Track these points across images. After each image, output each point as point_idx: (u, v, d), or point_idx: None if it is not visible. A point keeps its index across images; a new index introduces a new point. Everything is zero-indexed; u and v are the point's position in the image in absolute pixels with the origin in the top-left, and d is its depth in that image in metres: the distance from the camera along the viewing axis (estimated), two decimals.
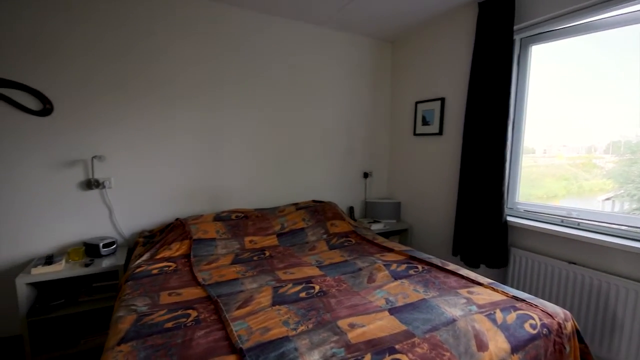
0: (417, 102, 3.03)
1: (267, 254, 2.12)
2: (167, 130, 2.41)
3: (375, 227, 2.95)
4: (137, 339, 1.14)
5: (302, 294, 1.51)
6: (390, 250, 2.17)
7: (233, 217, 2.48)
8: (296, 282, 1.65)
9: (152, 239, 2.26)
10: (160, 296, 1.48)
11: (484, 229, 2.34)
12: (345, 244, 2.35)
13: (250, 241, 2.29)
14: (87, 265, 1.98)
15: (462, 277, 1.73)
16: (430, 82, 2.90)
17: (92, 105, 2.17)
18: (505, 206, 2.29)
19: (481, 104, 2.33)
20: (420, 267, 1.88)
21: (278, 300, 1.44)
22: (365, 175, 3.33)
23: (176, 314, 1.32)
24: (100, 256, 2.11)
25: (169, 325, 1.23)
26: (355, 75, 3.14)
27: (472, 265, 2.43)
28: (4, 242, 2.02)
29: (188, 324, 1.24)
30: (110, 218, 2.31)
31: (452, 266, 1.89)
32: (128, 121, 2.28)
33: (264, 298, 1.45)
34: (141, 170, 2.36)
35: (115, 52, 2.19)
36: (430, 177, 2.95)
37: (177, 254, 2.01)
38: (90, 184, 2.20)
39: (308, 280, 1.66)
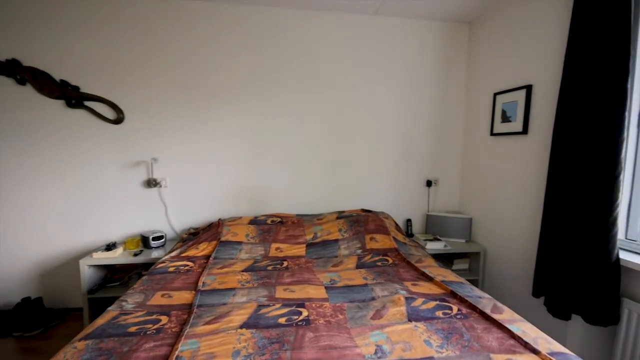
0: (495, 94, 2.39)
1: (285, 264, 1.97)
2: (214, 134, 2.53)
3: (432, 246, 2.45)
4: (97, 338, 1.15)
5: (282, 320, 1.30)
6: (429, 279, 1.73)
7: (269, 221, 2.43)
8: (288, 303, 1.45)
9: (194, 236, 2.40)
10: (154, 296, 1.51)
11: (581, 267, 1.64)
12: (379, 263, 2.00)
13: (277, 248, 2.19)
14: (136, 255, 2.23)
15: (512, 335, 1.21)
16: (513, 66, 2.25)
17: (153, 113, 2.44)
18: (617, 237, 1.55)
19: (582, 91, 1.64)
20: (455, 308, 1.42)
21: (252, 322, 1.28)
22: (429, 183, 2.82)
23: (149, 318, 1.31)
24: (150, 248, 2.35)
25: (133, 329, 1.22)
26: (417, 67, 2.70)
27: (560, 315, 1.74)
28: (87, 230, 2.46)
29: (149, 332, 1.21)
30: (165, 214, 2.56)
31: (506, 314, 1.37)
32: (181, 126, 2.48)
33: (239, 316, 1.31)
34: (191, 171, 2.55)
35: (173, 67, 2.42)
36: (510, 189, 2.29)
37: (201, 254, 2.06)
38: (150, 183, 2.49)
39: (301, 303, 1.44)
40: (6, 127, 2.28)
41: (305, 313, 1.36)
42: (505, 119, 2.31)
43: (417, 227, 2.86)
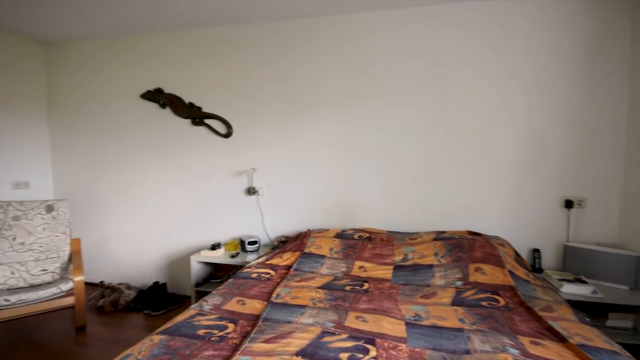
0: None
1: (365, 287, 1.77)
2: (307, 147, 2.56)
3: (572, 289, 1.81)
4: (170, 335, 1.23)
5: (344, 355, 1.11)
6: (561, 339, 1.24)
7: (356, 236, 2.28)
8: (356, 335, 1.25)
9: (284, 244, 2.45)
10: (230, 301, 1.55)
11: None
12: (484, 303, 1.57)
13: (360, 267, 2.01)
14: (232, 256, 2.43)
15: None
16: None
17: (254, 127, 2.66)
18: None
19: None
20: None
21: (310, 350, 1.14)
22: (569, 204, 2.14)
23: (219, 323, 1.33)
24: (246, 251, 2.52)
25: (201, 332, 1.25)
26: (548, 55, 2.11)
27: None
28: (202, 229, 2.82)
29: (213, 338, 1.22)
30: (261, 221, 2.72)
31: None
32: (277, 140, 2.62)
33: (299, 340, 1.19)
34: (285, 182, 2.64)
35: (271, 86, 2.59)
36: None
37: (284, 263, 2.06)
38: (250, 191, 2.69)
39: (371, 339, 1.22)
40: (151, 142, 2.86)
41: (372, 353, 1.13)
42: None
43: (548, 260, 2.19)
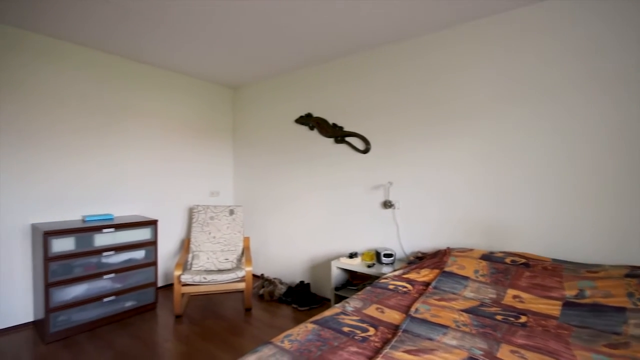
0: None
1: (522, 320, 1.52)
2: (445, 163, 2.46)
3: None
4: (321, 326, 1.39)
5: None
6: None
7: (507, 260, 2.00)
8: None
9: (420, 260, 2.39)
10: (370, 307, 1.62)
11: None
12: None
13: (515, 297, 1.74)
14: (369, 266, 2.53)
15: None
16: None
17: (391, 143, 2.74)
18: None
19: None
20: None
21: None
22: None
23: (360, 324, 1.42)
24: (381, 263, 2.57)
25: (346, 329, 1.37)
26: None
27: None
28: (342, 237, 3.06)
29: (356, 337, 1.31)
30: (397, 234, 2.73)
31: None
32: (413, 155, 2.61)
33: None
34: (422, 197, 2.58)
35: (408, 104, 2.63)
36: None
37: (421, 279, 2.00)
38: (386, 204, 2.76)
39: None
40: (302, 158, 3.34)
41: None
42: None
43: None
